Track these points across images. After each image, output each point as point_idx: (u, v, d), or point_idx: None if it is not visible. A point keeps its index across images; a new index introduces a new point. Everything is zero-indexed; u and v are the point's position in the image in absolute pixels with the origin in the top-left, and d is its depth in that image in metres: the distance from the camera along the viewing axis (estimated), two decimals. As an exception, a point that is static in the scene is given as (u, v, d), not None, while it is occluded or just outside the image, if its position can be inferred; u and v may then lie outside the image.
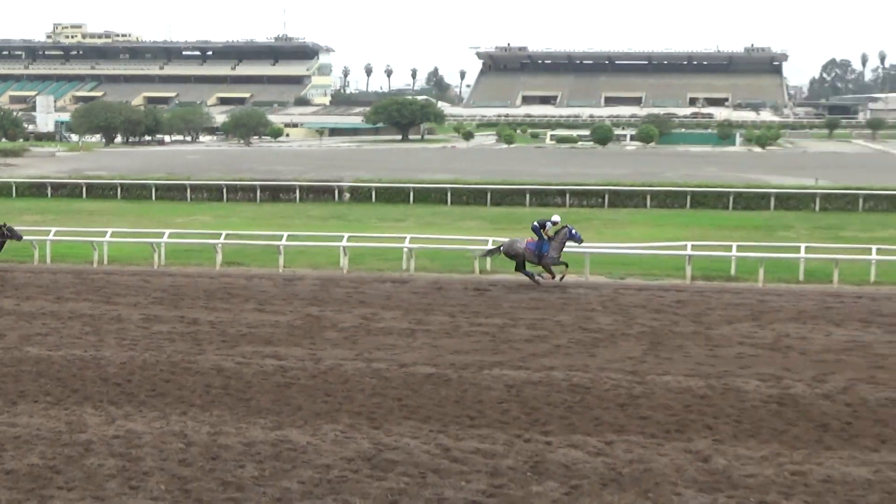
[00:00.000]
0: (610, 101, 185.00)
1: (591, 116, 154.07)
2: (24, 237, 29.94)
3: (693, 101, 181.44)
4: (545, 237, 27.54)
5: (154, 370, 18.30)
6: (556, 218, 28.46)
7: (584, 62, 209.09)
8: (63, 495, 12.11)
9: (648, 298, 25.32)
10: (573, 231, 27.81)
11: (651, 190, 48.32)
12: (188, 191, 50.43)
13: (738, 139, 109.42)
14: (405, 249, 29.95)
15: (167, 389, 17.00)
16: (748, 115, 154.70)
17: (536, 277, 27.75)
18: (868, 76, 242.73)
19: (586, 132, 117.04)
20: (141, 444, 14.23)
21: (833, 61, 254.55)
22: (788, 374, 18.10)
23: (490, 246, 29.91)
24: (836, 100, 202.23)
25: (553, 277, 27.75)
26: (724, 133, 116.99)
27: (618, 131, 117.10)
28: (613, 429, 15.04)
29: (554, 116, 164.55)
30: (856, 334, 21.41)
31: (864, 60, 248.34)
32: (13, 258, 30.42)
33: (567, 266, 27.93)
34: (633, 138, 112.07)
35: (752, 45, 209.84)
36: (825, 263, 28.52)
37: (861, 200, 46.11)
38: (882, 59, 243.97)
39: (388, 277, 28.28)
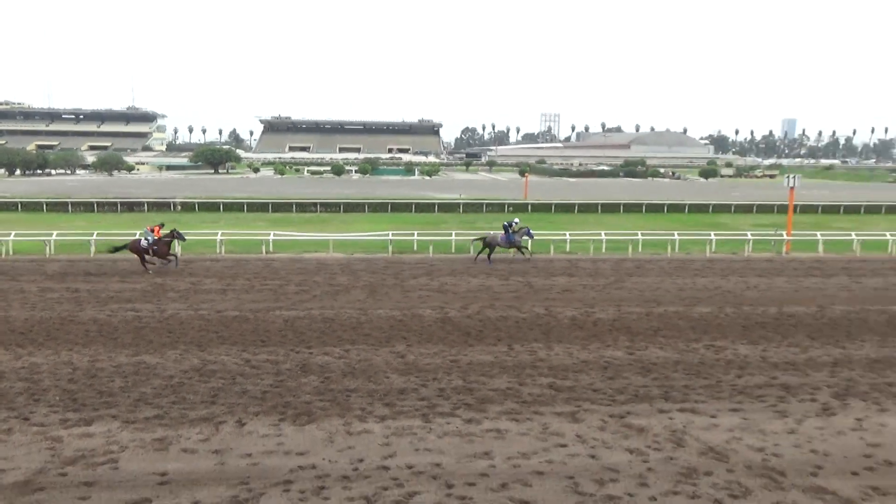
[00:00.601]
0: (342, 150, 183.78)
1: (331, 158, 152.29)
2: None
3: (390, 150, 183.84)
4: (512, 232, 26.16)
5: (48, 323, 16.61)
6: (517, 220, 27.46)
7: (326, 126, 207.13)
8: (-14, 408, 10.87)
9: (368, 265, 25.53)
10: (529, 229, 26.92)
11: (368, 202, 48.59)
12: (69, 206, 45.87)
13: (417, 172, 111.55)
14: (218, 239, 28.65)
15: (58, 335, 15.51)
16: (422, 158, 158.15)
17: (526, 253, 26.97)
18: (486, 137, 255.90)
19: (328, 167, 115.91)
20: (40, 372, 13.05)
21: (467, 128, 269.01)
22: (447, 305, 18.86)
23: (477, 236, 28.56)
24: (469, 150, 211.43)
25: (525, 256, 26.86)
26: (409, 169, 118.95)
27: (348, 167, 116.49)
28: (349, 342, 15.17)
29: (309, 158, 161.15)
30: (484, 281, 22.53)
31: (483, 128, 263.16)
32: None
33: (528, 249, 27.45)
34: (356, 172, 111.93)
35: (423, 118, 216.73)
36: (466, 242, 29.80)
37: (484, 206, 48.24)
38: (493, 126, 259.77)
39: (208, 258, 26.94)
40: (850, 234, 31.72)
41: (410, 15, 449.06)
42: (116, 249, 24.97)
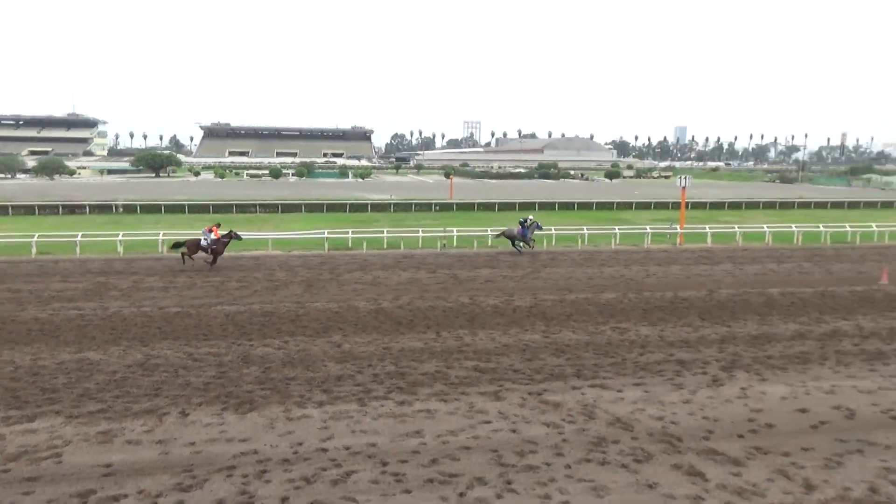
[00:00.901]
0: (280, 154, 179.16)
1: (269, 163, 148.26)
2: None
3: (325, 155, 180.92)
4: (526, 227, 27.44)
5: (-11, 324, 15.56)
6: (530, 217, 28.59)
7: (264, 132, 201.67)
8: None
9: (305, 262, 25.07)
10: (539, 224, 28.31)
11: (305, 203, 47.59)
12: (9, 209, 42.80)
13: (350, 175, 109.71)
14: (160, 239, 27.53)
15: (-1, 335, 14.55)
16: (355, 162, 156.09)
17: (520, 249, 27.51)
18: (414, 142, 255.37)
19: (267, 171, 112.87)
20: (-18, 371, 12.14)
21: (397, 134, 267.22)
22: (380, 297, 18.71)
23: (497, 230, 29.34)
24: (399, 154, 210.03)
25: (532, 247, 27.94)
26: (343, 172, 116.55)
27: (285, 171, 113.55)
28: (288, 334, 14.85)
29: (248, 163, 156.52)
30: (414, 275, 22.50)
31: (412, 134, 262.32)
32: None
33: (535, 242, 28.28)
34: (293, 175, 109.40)
35: (356, 124, 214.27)
36: (397, 239, 29.68)
37: (413, 205, 48.04)
38: (420, 132, 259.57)
39: (149, 257, 25.85)
40: (734, 227, 33.21)
41: (342, 27, 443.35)
42: (177, 246, 24.28)
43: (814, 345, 14.37)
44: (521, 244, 27.65)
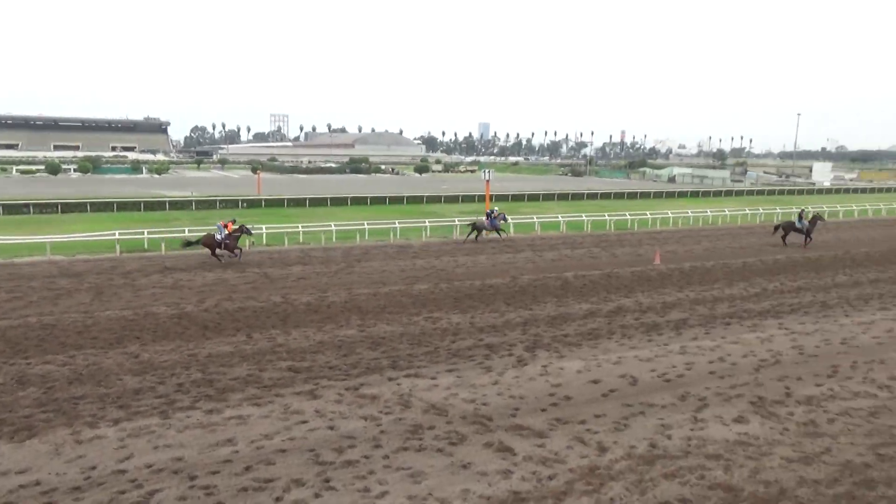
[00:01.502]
0: (58, 148, 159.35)
1: (45, 157, 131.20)
2: None
3: (114, 148, 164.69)
4: (493, 217, 30.02)
5: None
6: (496, 209, 31.70)
7: (37, 122, 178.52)
8: None
9: (93, 266, 22.66)
10: (504, 215, 31.04)
11: (90, 202, 42.75)
12: None
13: (145, 171, 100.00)
14: None
15: None
16: (149, 156, 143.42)
17: (477, 239, 29.79)
18: (217, 135, 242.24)
19: (42, 166, 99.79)
20: None
21: (197, 127, 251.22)
22: (183, 301, 17.52)
23: (467, 222, 31.47)
24: (200, 148, 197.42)
25: (500, 236, 30.57)
26: (136, 167, 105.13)
27: (65, 166, 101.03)
28: (74, 347, 13.36)
29: (17, 157, 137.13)
30: (220, 275, 21.28)
31: (214, 127, 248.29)
32: None
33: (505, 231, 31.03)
34: (75, 171, 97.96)
35: (149, 115, 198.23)
36: (193, 237, 27.83)
37: (218, 202, 44.90)
38: (224, 125, 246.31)
39: None
40: (532, 218, 35.78)
41: (132, 10, 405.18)
42: (190, 244, 24.42)
43: (602, 321, 15.97)
44: (489, 234, 30.45)
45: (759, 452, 9.07)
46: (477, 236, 29.99)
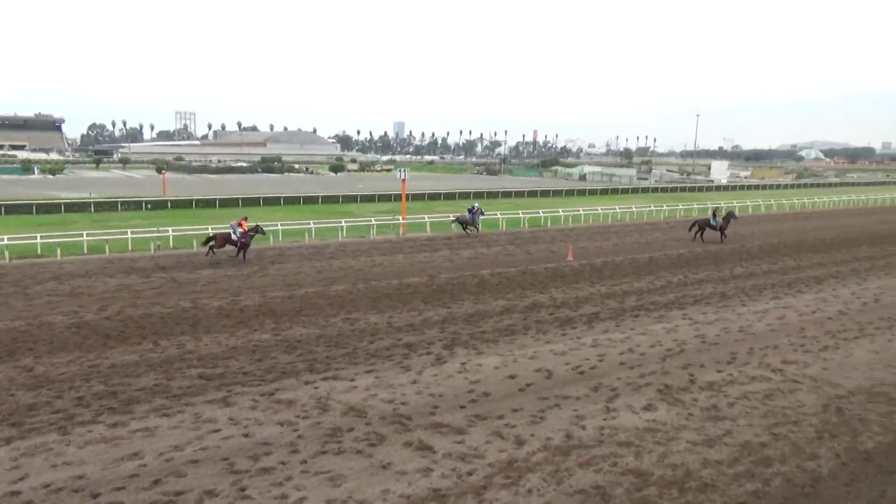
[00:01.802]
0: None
1: None
2: None
3: (1, 147, 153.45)
4: (474, 213, 32.55)
5: None
6: (476, 204, 33.69)
7: None
8: None
9: (-21, 275, 21.00)
10: (482, 210, 33.45)
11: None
12: None
13: (37, 171, 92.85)
14: None
15: None
16: (42, 156, 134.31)
17: (469, 233, 31.99)
18: (118, 134, 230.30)
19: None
20: None
21: (95, 124, 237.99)
22: (82, 309, 16.55)
23: (453, 218, 33.77)
24: (99, 147, 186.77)
25: (478, 231, 32.54)
26: (26, 167, 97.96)
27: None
28: (-41, 363, 12.31)
29: None
30: (123, 280, 20.28)
31: (114, 124, 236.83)
32: None
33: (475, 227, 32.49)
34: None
35: (41, 112, 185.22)
36: (100, 242, 26.37)
37: (119, 204, 42.98)
38: (125, 123, 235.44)
39: None
40: (449, 216, 36.04)
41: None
42: (207, 241, 24.15)
43: (518, 317, 16.29)
44: (471, 228, 32.29)
45: (666, 438, 9.51)
46: (465, 228, 32.40)
